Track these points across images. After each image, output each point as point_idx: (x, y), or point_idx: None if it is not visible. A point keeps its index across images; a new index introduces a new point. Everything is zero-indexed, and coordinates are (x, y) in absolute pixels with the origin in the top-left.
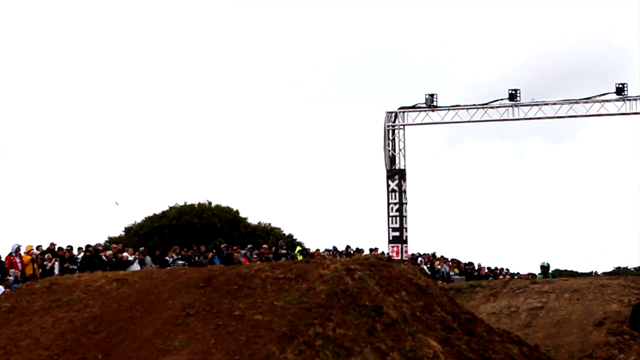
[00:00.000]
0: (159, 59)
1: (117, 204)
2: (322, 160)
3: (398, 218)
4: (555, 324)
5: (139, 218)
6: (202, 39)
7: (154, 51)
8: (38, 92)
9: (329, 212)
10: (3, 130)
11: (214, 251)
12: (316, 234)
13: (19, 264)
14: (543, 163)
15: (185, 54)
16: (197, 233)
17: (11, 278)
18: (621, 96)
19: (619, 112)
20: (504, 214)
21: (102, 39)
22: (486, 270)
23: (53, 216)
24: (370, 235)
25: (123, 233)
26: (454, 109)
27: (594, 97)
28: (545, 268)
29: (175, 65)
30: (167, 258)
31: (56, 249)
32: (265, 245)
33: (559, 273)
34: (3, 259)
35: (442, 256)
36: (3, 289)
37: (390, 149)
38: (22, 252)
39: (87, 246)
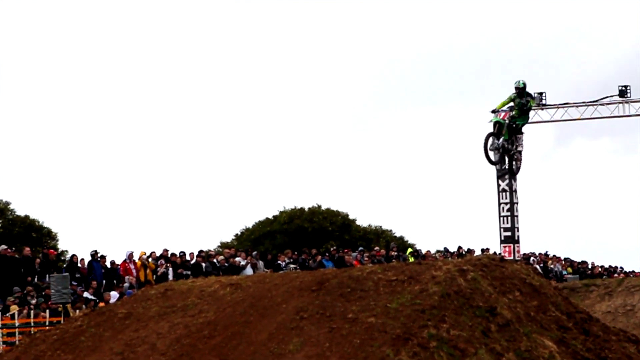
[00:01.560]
0: (271, 69)
1: None
2: (432, 161)
3: (509, 218)
4: None
5: (250, 223)
6: (301, 39)
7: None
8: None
9: (440, 213)
10: (118, 139)
11: (326, 254)
12: (427, 236)
13: (134, 271)
14: None
15: (291, 57)
16: (308, 237)
17: (126, 284)
18: None
19: None
20: (617, 212)
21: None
22: (600, 269)
23: (166, 222)
24: (481, 235)
25: (234, 238)
26: (563, 107)
27: None
28: None
29: (281, 69)
30: (279, 262)
31: (169, 255)
32: (377, 247)
33: None
34: (118, 265)
35: (554, 255)
36: (117, 295)
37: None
38: (135, 258)
39: (200, 251)
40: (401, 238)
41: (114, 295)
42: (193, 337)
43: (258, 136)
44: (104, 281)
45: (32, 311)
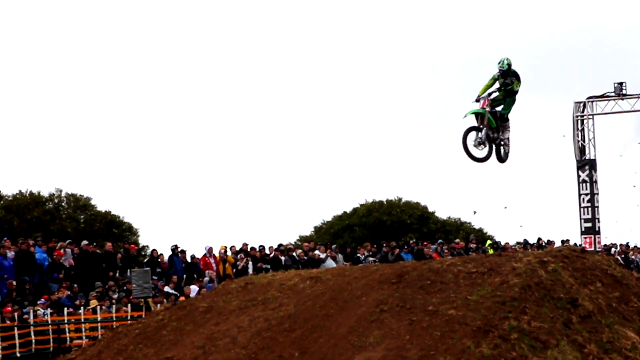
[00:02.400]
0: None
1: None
2: (511, 152)
3: (590, 209)
4: None
5: (328, 216)
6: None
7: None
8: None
9: (519, 205)
10: (197, 135)
11: (405, 247)
12: (506, 227)
13: (214, 265)
14: None
15: (369, 48)
16: (386, 230)
17: (206, 279)
18: None
19: None
20: None
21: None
22: None
23: (245, 217)
24: (561, 227)
25: (313, 231)
26: None
27: None
28: None
29: (355, 61)
30: (358, 255)
31: (249, 249)
32: (457, 240)
33: None
34: (198, 260)
35: (635, 246)
36: (198, 289)
37: (579, 139)
38: (215, 252)
39: (279, 245)
40: (480, 230)
41: (194, 289)
42: (273, 330)
43: (337, 130)
44: (184, 275)
45: (113, 306)
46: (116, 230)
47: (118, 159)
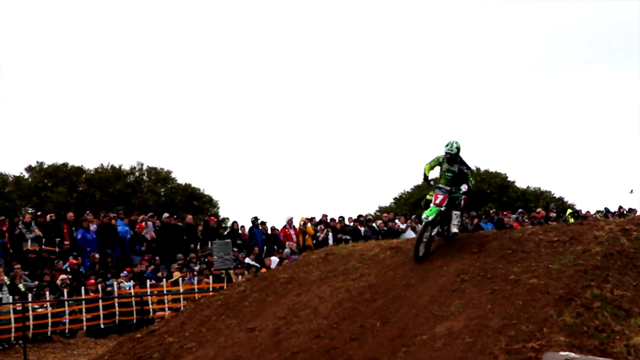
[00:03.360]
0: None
1: (632, 191)
2: (592, 120)
3: None
4: None
5: (408, 187)
6: None
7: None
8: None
9: (599, 173)
10: (272, 106)
11: (483, 217)
12: (587, 196)
13: (294, 236)
14: None
15: (452, 18)
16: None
17: (287, 250)
18: None
19: None
20: None
21: None
22: None
23: (325, 188)
24: None
25: (393, 202)
26: None
27: None
28: None
29: (443, 29)
30: None
31: (329, 220)
32: (538, 209)
33: None
34: (278, 231)
35: None
36: (278, 261)
37: None
38: (295, 224)
39: (359, 216)
40: (560, 199)
41: (274, 260)
42: (355, 301)
43: (416, 100)
44: (265, 247)
45: (195, 277)
46: (196, 203)
47: (198, 132)
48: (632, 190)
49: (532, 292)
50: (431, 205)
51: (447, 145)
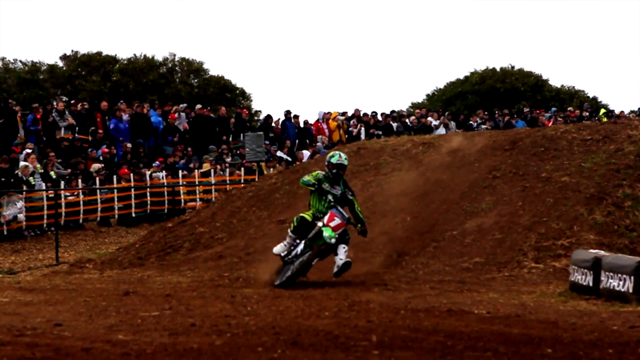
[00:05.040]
0: None
1: None
2: (626, 18)
3: None
4: None
5: (441, 83)
6: None
7: None
8: None
9: (635, 73)
10: None
11: (516, 115)
12: (621, 96)
13: (326, 130)
14: None
15: None
16: (500, 97)
17: (319, 144)
18: None
19: None
20: None
21: None
22: None
23: (358, 83)
24: None
25: (426, 98)
26: None
27: None
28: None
29: None
30: (470, 122)
31: (361, 115)
32: (570, 108)
33: None
34: (311, 125)
35: None
36: (309, 154)
37: None
38: (328, 118)
39: (392, 112)
40: (594, 99)
41: (306, 154)
42: (385, 195)
43: None
44: (297, 140)
45: (227, 169)
46: (229, 95)
47: (232, 24)
48: None
49: (564, 190)
50: (321, 224)
51: (333, 156)
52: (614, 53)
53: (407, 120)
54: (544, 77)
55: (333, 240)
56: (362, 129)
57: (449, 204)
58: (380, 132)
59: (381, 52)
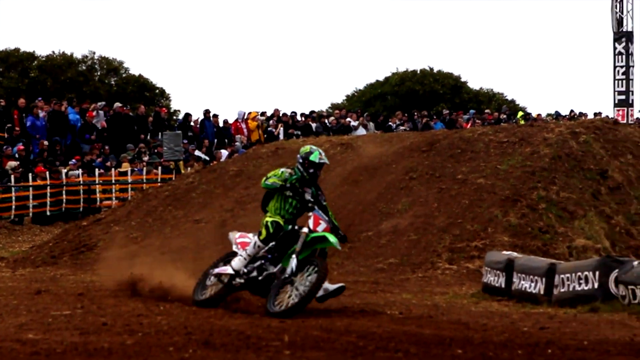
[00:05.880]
0: None
1: None
2: (546, 23)
3: (624, 81)
4: None
5: (361, 84)
6: None
7: None
8: None
9: (552, 76)
10: None
11: (435, 117)
12: (539, 99)
13: (245, 130)
14: None
15: None
16: (419, 99)
17: (238, 143)
18: None
19: None
20: None
21: None
22: None
23: (277, 83)
24: (594, 99)
25: (345, 99)
26: None
27: None
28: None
29: None
30: (389, 124)
31: (280, 115)
32: (488, 110)
33: None
34: (230, 125)
35: None
36: (227, 153)
37: (617, 10)
38: (247, 118)
39: (311, 112)
40: (512, 101)
41: (225, 153)
42: None
43: None
44: (216, 140)
45: (144, 168)
46: (148, 94)
47: (151, 22)
48: None
49: (479, 192)
50: (306, 230)
51: (311, 153)
52: (532, 56)
53: (326, 121)
54: (463, 80)
55: (339, 247)
56: (281, 129)
57: (365, 204)
58: (299, 133)
59: (301, 52)
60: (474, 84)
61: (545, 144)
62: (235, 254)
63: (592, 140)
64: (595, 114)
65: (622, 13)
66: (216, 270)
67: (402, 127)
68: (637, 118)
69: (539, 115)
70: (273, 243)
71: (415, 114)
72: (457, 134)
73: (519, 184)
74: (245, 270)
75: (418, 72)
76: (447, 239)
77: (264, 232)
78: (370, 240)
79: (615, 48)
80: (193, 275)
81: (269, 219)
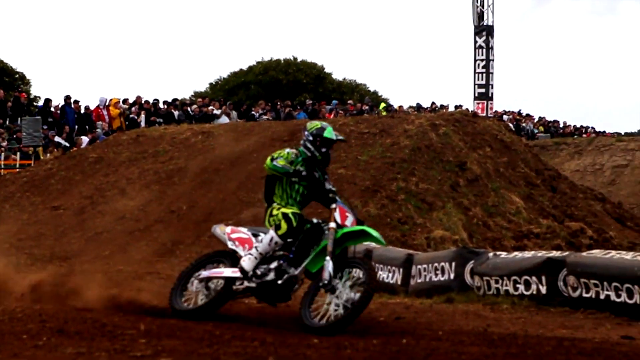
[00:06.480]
0: None
1: None
2: (409, 15)
3: (484, 75)
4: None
5: (224, 73)
6: None
7: None
8: None
9: (415, 69)
10: None
11: (298, 107)
12: (401, 91)
13: (106, 117)
14: (637, 20)
15: None
16: (282, 89)
17: (99, 130)
18: None
19: None
20: (591, 72)
21: None
22: (571, 128)
23: (140, 70)
24: (455, 92)
25: (209, 88)
26: None
27: None
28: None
29: None
30: (253, 113)
31: (143, 102)
32: (350, 101)
33: None
34: (91, 111)
35: (527, 114)
36: (88, 140)
37: (478, 4)
38: (108, 104)
39: (174, 100)
40: (375, 92)
41: (85, 140)
42: (163, 184)
43: None
44: (77, 126)
45: (2, 153)
46: (7, 79)
47: (10, 6)
48: None
49: (339, 183)
50: (333, 225)
51: (324, 129)
52: (396, 49)
53: (189, 109)
54: (327, 70)
55: (385, 243)
56: (143, 116)
57: (226, 193)
58: (162, 120)
59: (164, 39)
60: (338, 74)
61: (406, 135)
62: (225, 253)
63: (451, 133)
64: (456, 107)
65: (483, 7)
66: (206, 273)
67: (265, 117)
68: (496, 111)
69: (400, 107)
70: (290, 240)
71: (279, 103)
72: None
73: (379, 174)
74: (259, 273)
75: (282, 61)
76: None
77: (284, 225)
78: None
79: (475, 42)
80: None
81: (287, 210)
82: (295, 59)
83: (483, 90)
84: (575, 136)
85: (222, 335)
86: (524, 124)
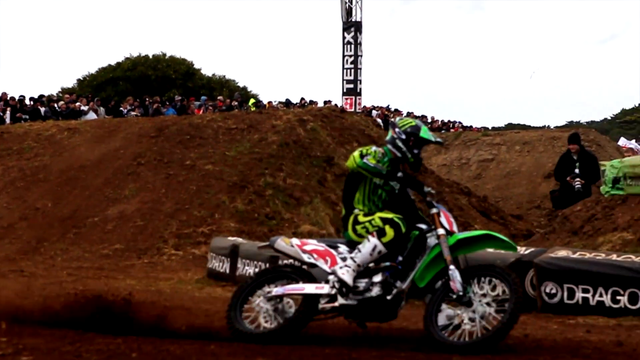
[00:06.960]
0: None
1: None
2: (278, 11)
3: (353, 70)
4: (505, 175)
5: (92, 69)
6: None
7: None
8: None
9: (284, 64)
10: None
11: (167, 103)
12: (271, 87)
13: None
14: (503, 17)
15: None
16: (151, 84)
17: None
18: None
19: None
20: (460, 68)
21: None
22: (439, 123)
23: (6, 66)
24: (324, 87)
25: (76, 84)
26: None
27: None
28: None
29: None
30: (121, 109)
31: (8, 99)
32: (220, 97)
33: (512, 127)
34: None
35: (396, 109)
36: None
37: (347, 1)
38: None
39: (40, 96)
40: (245, 88)
41: None
42: (27, 181)
43: None
44: None
45: None
46: None
47: None
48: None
49: (207, 178)
50: (442, 231)
51: (420, 127)
52: (265, 44)
53: (55, 105)
54: (196, 66)
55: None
56: (9, 112)
57: (92, 190)
58: (27, 117)
59: (31, 34)
60: (207, 70)
61: (274, 131)
62: (292, 268)
63: (319, 128)
64: (325, 102)
65: (351, 3)
66: (280, 290)
67: (133, 113)
68: (364, 106)
69: (269, 103)
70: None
71: (147, 99)
72: (186, 120)
73: (247, 170)
74: (361, 288)
75: (151, 57)
76: (174, 225)
77: (389, 231)
78: (96, 226)
79: (344, 37)
80: None
81: (387, 215)
82: (164, 54)
83: (352, 85)
84: (443, 131)
85: (85, 333)
86: (392, 119)
